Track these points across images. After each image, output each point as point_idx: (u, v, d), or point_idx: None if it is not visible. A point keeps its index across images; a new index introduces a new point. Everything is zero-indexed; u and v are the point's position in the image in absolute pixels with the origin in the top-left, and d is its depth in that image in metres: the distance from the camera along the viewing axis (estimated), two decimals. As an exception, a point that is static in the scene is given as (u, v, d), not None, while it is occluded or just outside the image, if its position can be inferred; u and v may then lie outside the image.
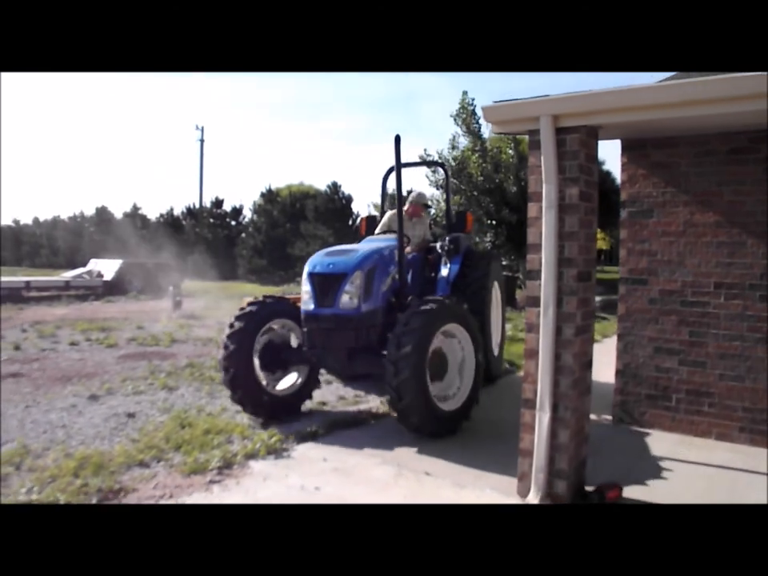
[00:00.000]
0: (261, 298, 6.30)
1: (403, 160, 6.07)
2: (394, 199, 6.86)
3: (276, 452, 4.98)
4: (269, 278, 30.66)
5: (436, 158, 18.95)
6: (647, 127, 4.87)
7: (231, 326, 5.96)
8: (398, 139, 5.79)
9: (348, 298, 5.63)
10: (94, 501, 4.07)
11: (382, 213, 8.08)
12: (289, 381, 6.34)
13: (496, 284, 7.88)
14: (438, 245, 7.29)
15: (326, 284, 5.72)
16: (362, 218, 8.30)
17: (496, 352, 8.01)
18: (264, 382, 6.07)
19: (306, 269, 5.94)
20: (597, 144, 4.07)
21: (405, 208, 7.10)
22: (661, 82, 4.16)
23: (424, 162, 7.83)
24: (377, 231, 7.45)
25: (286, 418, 6.00)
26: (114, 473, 4.51)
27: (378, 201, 28.05)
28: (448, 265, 7.05)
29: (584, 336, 3.99)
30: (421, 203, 7.61)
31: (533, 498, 3.95)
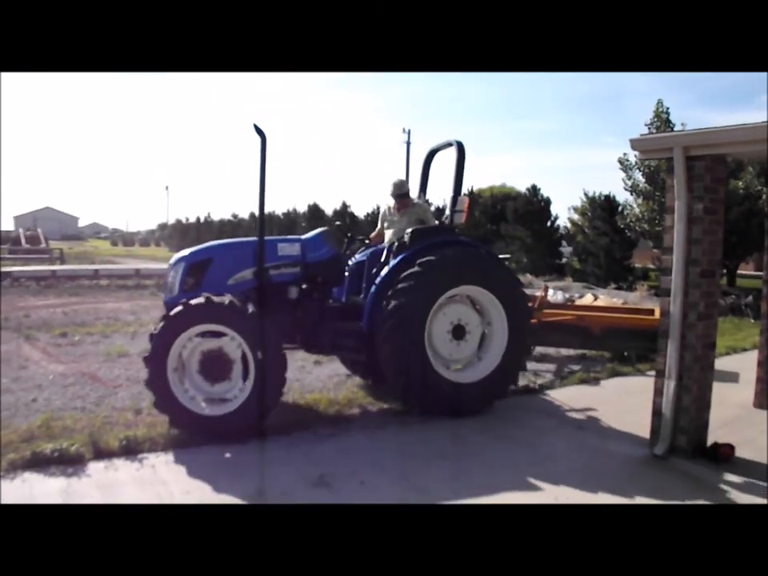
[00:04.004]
0: None
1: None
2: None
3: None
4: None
5: (633, 162, 19.21)
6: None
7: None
8: (258, 130, 5.26)
9: (169, 288, 5.84)
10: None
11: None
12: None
13: (478, 288, 6.10)
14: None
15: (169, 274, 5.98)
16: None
17: (473, 376, 6.12)
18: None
19: None
20: (724, 168, 4.99)
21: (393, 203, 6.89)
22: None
23: (441, 147, 7.13)
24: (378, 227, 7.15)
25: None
26: (340, 408, 6.22)
27: (578, 204, 26.92)
28: (389, 262, 6.16)
29: (706, 322, 4.95)
30: (400, 193, 6.74)
31: (659, 449, 4.99)
